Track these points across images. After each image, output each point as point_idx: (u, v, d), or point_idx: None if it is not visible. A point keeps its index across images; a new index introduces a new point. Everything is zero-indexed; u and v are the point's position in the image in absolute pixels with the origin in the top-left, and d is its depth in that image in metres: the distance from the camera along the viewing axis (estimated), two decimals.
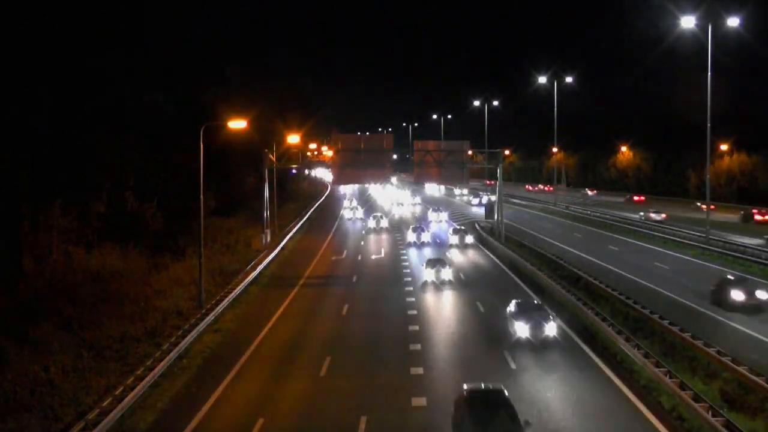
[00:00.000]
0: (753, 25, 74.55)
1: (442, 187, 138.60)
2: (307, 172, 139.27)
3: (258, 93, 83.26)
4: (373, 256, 59.32)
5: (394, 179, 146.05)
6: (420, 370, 27.82)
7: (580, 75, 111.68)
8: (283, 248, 62.40)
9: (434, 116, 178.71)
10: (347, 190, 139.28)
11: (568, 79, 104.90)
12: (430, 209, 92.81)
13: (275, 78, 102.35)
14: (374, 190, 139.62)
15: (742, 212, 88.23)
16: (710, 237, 60.93)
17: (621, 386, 25.70)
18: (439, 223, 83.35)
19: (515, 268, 50.93)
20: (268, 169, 67.72)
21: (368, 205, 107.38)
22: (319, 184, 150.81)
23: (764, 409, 22.77)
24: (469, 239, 65.43)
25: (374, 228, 76.99)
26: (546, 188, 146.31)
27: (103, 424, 21.60)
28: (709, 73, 59.26)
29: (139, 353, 29.46)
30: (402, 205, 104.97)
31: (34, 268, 40.34)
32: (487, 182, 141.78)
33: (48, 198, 43.18)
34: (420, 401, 24.46)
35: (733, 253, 55.03)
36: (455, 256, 58.26)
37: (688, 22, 59.69)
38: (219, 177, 64.70)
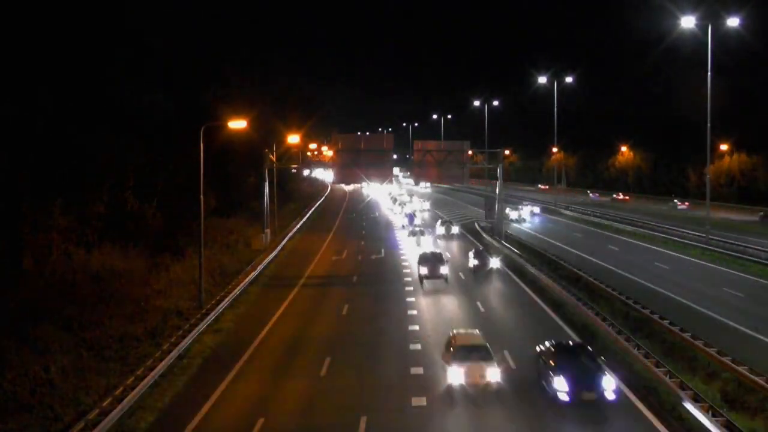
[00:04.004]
0: (753, 25, 74.52)
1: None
2: (307, 172, 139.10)
3: (258, 93, 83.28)
4: (374, 256, 59.31)
5: (404, 179, 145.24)
6: (420, 370, 27.83)
7: (580, 75, 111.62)
8: (283, 248, 62.41)
9: (434, 116, 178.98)
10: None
11: (568, 79, 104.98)
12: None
13: (275, 78, 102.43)
14: (375, 193, 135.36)
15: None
16: (710, 237, 60.93)
17: None
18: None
19: (517, 270, 51.01)
20: (268, 169, 67.74)
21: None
22: (319, 184, 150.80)
23: (764, 409, 22.78)
24: None
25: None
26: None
27: (103, 424, 21.60)
28: (709, 73, 59.29)
29: (139, 353, 29.47)
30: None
31: (34, 268, 40.26)
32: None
33: (48, 198, 43.12)
34: (420, 401, 24.47)
35: (733, 253, 55.05)
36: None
37: (688, 22, 59.70)
38: (219, 177, 64.66)
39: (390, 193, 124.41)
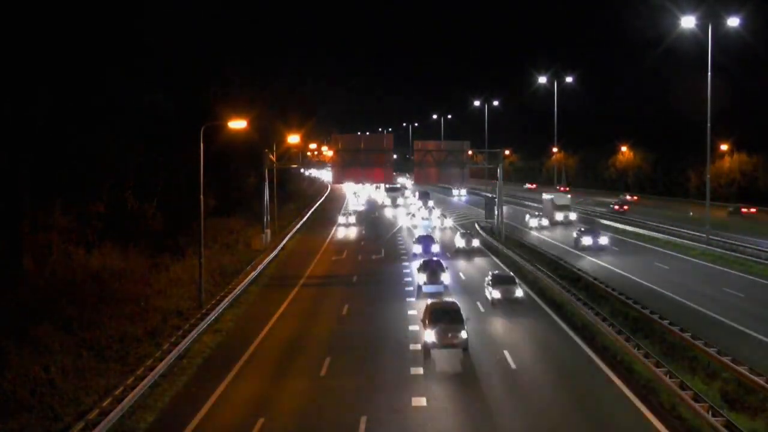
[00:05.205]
0: (753, 25, 74.53)
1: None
2: (307, 172, 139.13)
3: (258, 93, 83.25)
4: (374, 256, 59.31)
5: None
6: (420, 370, 27.82)
7: (580, 75, 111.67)
8: (283, 248, 62.40)
9: (434, 116, 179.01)
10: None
11: (569, 79, 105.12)
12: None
13: (275, 78, 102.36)
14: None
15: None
16: (710, 237, 60.89)
17: None
18: None
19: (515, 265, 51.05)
20: (268, 169, 67.73)
21: None
22: (319, 184, 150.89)
23: (764, 409, 22.77)
24: None
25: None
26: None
27: (103, 424, 21.60)
28: (709, 73, 59.26)
29: (139, 353, 29.46)
30: None
31: (34, 267, 40.28)
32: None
33: (48, 198, 43.15)
34: (420, 401, 24.47)
35: (733, 253, 54.99)
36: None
37: (688, 22, 59.69)
38: (219, 177, 64.69)
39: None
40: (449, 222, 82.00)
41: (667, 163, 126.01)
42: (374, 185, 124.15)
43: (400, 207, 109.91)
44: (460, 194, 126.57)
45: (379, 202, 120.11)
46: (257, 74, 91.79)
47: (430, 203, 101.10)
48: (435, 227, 79.02)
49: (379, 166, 66.76)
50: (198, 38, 74.39)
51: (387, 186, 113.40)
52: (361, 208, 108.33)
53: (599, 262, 54.63)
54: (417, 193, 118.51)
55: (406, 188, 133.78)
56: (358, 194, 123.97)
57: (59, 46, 45.55)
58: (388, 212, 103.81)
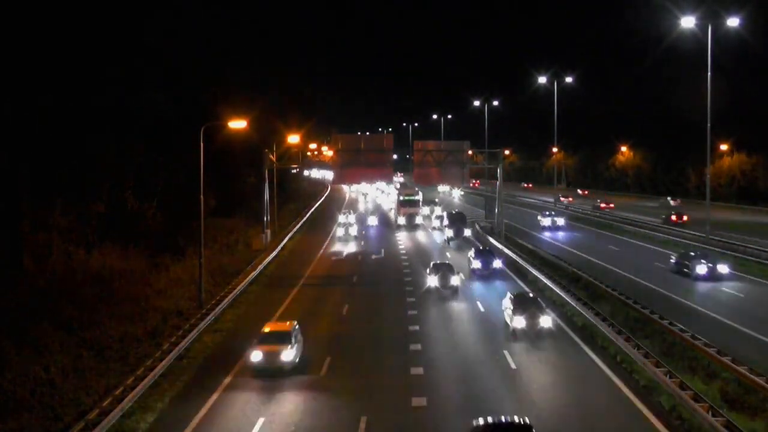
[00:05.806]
0: (753, 25, 74.49)
1: None
2: (307, 172, 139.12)
3: (258, 93, 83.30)
4: (374, 256, 59.28)
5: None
6: (420, 370, 27.81)
7: (580, 75, 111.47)
8: (283, 248, 62.37)
9: (434, 116, 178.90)
10: None
11: (568, 79, 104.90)
12: None
13: (275, 78, 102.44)
14: None
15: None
16: (710, 237, 60.87)
17: None
18: None
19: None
20: (268, 169, 67.75)
21: None
22: (319, 184, 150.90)
23: (764, 409, 22.77)
24: None
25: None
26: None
27: (103, 424, 21.60)
28: (709, 73, 59.24)
29: (139, 353, 29.47)
30: None
31: (34, 267, 40.31)
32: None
33: (48, 198, 43.19)
34: (420, 401, 24.46)
35: (733, 253, 54.96)
36: None
37: (688, 22, 59.67)
38: (219, 177, 64.72)
39: None
40: (548, 322, 32.40)
41: (667, 163, 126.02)
42: (376, 187, 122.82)
43: (421, 228, 77.23)
44: (554, 222, 78.05)
45: (392, 219, 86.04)
46: (257, 74, 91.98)
47: (467, 232, 66.50)
48: (513, 328, 32.61)
49: (379, 167, 66.75)
50: (198, 39, 74.54)
51: (402, 198, 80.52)
52: (348, 251, 62.60)
53: None
54: (445, 215, 72.42)
55: (436, 203, 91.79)
56: (350, 226, 71.13)
57: (59, 47, 45.60)
58: (402, 242, 67.19)
